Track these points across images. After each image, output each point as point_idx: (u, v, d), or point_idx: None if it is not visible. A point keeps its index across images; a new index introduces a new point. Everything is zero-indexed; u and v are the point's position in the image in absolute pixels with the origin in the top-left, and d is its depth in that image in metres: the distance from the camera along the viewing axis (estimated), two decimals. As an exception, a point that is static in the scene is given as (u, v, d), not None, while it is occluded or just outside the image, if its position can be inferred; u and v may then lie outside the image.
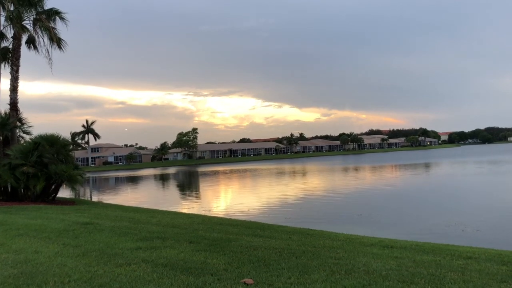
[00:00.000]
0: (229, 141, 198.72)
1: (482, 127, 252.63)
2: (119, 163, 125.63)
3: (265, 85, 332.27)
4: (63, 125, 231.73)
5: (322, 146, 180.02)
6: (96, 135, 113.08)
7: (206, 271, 5.96)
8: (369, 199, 27.27)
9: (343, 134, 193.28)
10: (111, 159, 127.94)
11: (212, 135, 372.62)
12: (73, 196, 29.46)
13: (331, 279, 5.57)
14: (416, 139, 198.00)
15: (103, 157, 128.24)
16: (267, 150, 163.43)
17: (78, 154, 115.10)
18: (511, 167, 51.48)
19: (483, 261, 7.07)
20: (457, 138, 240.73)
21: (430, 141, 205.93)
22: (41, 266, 6.31)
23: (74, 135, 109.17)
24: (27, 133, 23.03)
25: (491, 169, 50.18)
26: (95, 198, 35.61)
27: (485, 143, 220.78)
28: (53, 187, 20.19)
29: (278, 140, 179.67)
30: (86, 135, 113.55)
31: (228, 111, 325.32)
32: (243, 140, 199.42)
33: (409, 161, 77.29)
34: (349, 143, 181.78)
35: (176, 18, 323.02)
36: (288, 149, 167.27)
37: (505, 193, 27.28)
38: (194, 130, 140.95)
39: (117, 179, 69.80)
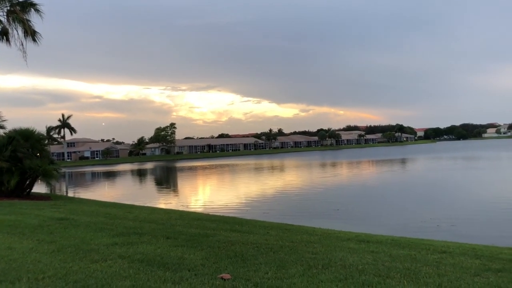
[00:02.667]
0: (207, 136, 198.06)
1: (458, 123, 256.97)
2: (96, 158, 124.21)
3: (244, 81, 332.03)
4: (38, 119, 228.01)
5: (300, 142, 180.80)
6: (72, 130, 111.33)
7: (183, 266, 5.93)
8: (346, 194, 27.52)
9: (321, 130, 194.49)
10: (87, 154, 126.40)
11: (191, 130, 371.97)
12: (48, 192, 29.00)
13: (308, 273, 5.60)
14: (392, 135, 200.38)
15: (79, 152, 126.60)
16: (245, 145, 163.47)
17: (53, 148, 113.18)
18: (484, 162, 52.49)
19: (458, 255, 7.20)
20: (433, 134, 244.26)
21: (407, 137, 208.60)
22: (14, 262, 6.19)
23: (49, 129, 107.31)
24: (1, 127, 22.53)
25: (465, 165, 51.11)
26: (71, 194, 35.15)
27: (460, 139, 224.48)
28: (27, 182, 19.84)
29: (257, 136, 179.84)
30: (62, 130, 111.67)
31: (206, 106, 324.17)
32: (221, 136, 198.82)
33: (385, 156, 78.19)
34: (327, 138, 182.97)
35: (153, 12, 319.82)
36: (267, 144, 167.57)
37: (478, 188, 27.81)
38: (172, 125, 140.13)
39: (93, 174, 68.98)
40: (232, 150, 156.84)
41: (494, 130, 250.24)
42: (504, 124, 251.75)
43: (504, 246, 9.52)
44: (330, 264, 6.15)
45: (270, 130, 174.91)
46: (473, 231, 14.79)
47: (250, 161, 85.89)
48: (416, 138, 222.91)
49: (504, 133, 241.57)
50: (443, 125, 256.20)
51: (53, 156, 64.42)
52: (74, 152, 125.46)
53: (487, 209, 19.35)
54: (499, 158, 59.64)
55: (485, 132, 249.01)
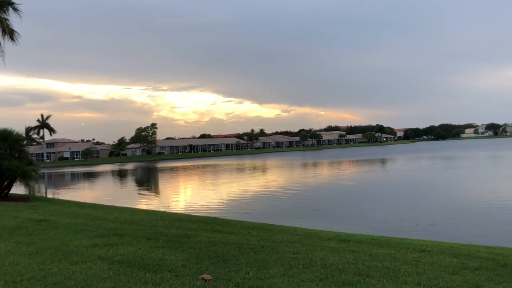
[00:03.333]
0: (189, 136, 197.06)
1: (436, 124, 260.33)
2: (76, 159, 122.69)
3: (226, 81, 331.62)
4: (17, 120, 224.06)
5: (282, 142, 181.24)
6: (51, 130, 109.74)
7: (164, 267, 5.91)
8: (327, 194, 27.68)
9: (303, 130, 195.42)
10: (67, 155, 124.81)
11: (172, 130, 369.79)
12: (27, 193, 28.57)
13: (289, 273, 5.64)
14: (372, 135, 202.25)
15: (58, 152, 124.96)
16: (227, 145, 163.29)
17: (32, 149, 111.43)
18: (462, 162, 53.29)
19: (436, 254, 7.31)
20: (412, 135, 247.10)
21: (386, 137, 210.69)
22: (-9, 265, 6.11)
23: (28, 129, 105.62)
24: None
25: (443, 165, 51.81)
26: (50, 195, 34.65)
27: (439, 140, 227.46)
28: (5, 183, 19.54)
29: (239, 136, 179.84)
30: (41, 130, 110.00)
31: (188, 107, 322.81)
32: (203, 136, 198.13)
33: (366, 156, 78.85)
34: (308, 139, 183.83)
35: (135, 11, 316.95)
36: (249, 144, 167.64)
37: (456, 188, 28.24)
38: (153, 125, 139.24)
39: (73, 175, 68.16)
40: (214, 150, 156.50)
41: (472, 130, 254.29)
42: (482, 125, 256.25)
43: (481, 244, 9.71)
44: (311, 264, 6.20)
45: (252, 131, 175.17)
46: (452, 230, 15.01)
47: (232, 162, 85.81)
48: (395, 138, 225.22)
49: (481, 133, 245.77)
50: (422, 125, 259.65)
51: (32, 156, 63.42)
52: (54, 152, 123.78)
53: (465, 208, 19.65)
54: (476, 158, 60.63)
55: (463, 132, 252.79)
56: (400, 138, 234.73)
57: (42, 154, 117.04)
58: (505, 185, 27.81)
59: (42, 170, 45.44)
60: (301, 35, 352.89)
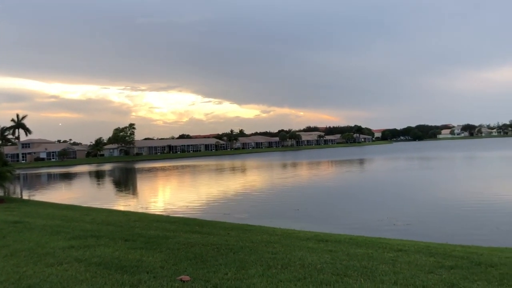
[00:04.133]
0: (168, 137, 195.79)
1: (413, 124, 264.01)
2: (52, 159, 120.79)
3: (205, 81, 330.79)
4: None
5: (261, 143, 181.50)
6: (27, 130, 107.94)
7: (141, 269, 5.87)
8: (306, 195, 27.80)
9: (282, 130, 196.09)
10: (43, 155, 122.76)
11: (150, 131, 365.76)
12: (2, 194, 28.02)
13: (267, 273, 5.65)
14: (351, 136, 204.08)
15: (34, 153, 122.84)
16: (207, 146, 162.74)
17: (7, 150, 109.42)
18: (438, 162, 54.11)
19: (413, 253, 7.41)
20: (390, 135, 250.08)
21: (364, 138, 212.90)
22: (-36, 268, 5.98)
23: (3, 130, 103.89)
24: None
25: (420, 165, 52.53)
26: (26, 196, 34.04)
27: (416, 140, 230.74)
28: (-21, 184, 19.15)
29: (218, 137, 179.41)
30: (17, 130, 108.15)
31: (167, 107, 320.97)
32: (182, 136, 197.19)
33: (344, 157, 79.47)
34: (288, 139, 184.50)
35: (112, 10, 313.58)
36: (228, 145, 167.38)
37: (433, 188, 28.65)
38: (131, 125, 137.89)
39: (49, 176, 67.11)
40: (193, 151, 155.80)
41: (448, 131, 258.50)
42: (458, 125, 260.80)
43: (457, 243, 9.87)
44: (289, 264, 6.22)
45: (232, 131, 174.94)
46: (428, 229, 15.22)
47: (211, 162, 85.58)
48: (373, 139, 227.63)
49: (457, 134, 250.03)
50: (399, 126, 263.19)
51: (7, 157, 62.23)
52: (29, 153, 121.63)
53: (441, 208, 19.95)
54: (452, 159, 61.65)
55: (440, 133, 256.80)
56: (378, 139, 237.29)
57: (17, 154, 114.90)
58: (480, 186, 28.33)
59: (18, 171, 44.63)
60: (281, 36, 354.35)
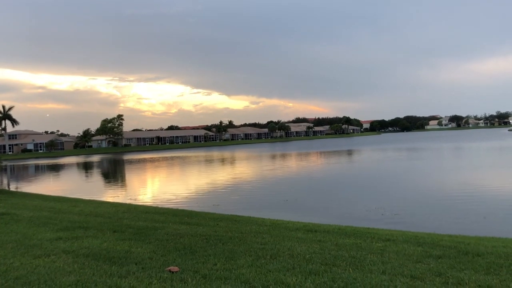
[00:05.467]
0: (156, 128, 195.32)
1: (402, 115, 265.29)
2: (39, 151, 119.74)
3: (194, 72, 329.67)
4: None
5: (250, 134, 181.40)
6: (14, 121, 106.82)
7: (130, 260, 5.84)
8: (295, 185, 27.89)
9: (271, 122, 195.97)
10: (30, 147, 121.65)
11: (139, 122, 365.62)
12: (-13, 186, 27.78)
13: (256, 263, 5.66)
14: (339, 127, 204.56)
15: (21, 144, 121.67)
16: (196, 137, 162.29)
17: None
18: (425, 153, 54.51)
19: (401, 243, 7.46)
20: (378, 126, 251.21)
21: (353, 129, 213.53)
22: (-51, 260, 5.91)
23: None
24: None
25: (407, 156, 52.90)
26: (13, 187, 33.77)
27: (404, 131, 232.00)
28: (-36, 176, 18.92)
29: (207, 128, 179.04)
30: (3, 121, 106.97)
31: (155, 98, 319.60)
32: (171, 128, 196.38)
33: (332, 148, 79.77)
34: (277, 130, 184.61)
35: (101, 1, 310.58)
36: (217, 136, 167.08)
37: (420, 178, 28.88)
38: (120, 116, 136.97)
39: (37, 167, 66.57)
40: (182, 142, 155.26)
41: (436, 122, 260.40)
42: (445, 117, 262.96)
43: (444, 233, 9.96)
44: (278, 254, 6.23)
45: (221, 122, 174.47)
46: (416, 219, 15.36)
47: (200, 153, 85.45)
48: (362, 130, 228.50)
49: (445, 125, 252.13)
50: (388, 117, 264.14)
51: (-7, 149, 61.61)
52: (16, 144, 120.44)
53: (429, 198, 20.13)
54: (440, 149, 62.15)
55: (428, 124, 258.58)
56: (366, 130, 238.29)
57: (4, 146, 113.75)
58: (467, 176, 28.62)
59: (4, 162, 44.23)
60: (270, 27, 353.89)
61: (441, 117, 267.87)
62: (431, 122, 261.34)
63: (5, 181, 41.55)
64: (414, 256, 6.33)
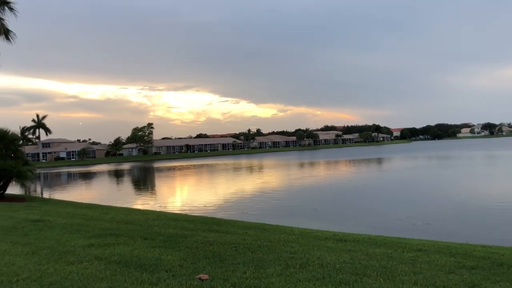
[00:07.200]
0: (185, 136, 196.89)
1: (433, 123, 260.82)
2: (72, 159, 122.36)
3: (222, 81, 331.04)
4: (12, 120, 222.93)
5: (278, 142, 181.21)
6: (47, 130, 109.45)
7: (160, 267, 5.90)
8: (324, 194, 27.70)
9: (299, 130, 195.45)
10: (63, 155, 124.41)
11: (168, 130, 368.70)
12: (23, 193, 28.47)
13: (286, 272, 5.63)
14: (369, 135, 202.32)
15: (54, 152, 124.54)
16: (224, 145, 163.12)
17: (28, 149, 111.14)
18: (458, 161, 53.42)
19: (433, 253, 7.31)
20: (409, 134, 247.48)
21: (383, 137, 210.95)
22: (-13, 265, 6.08)
23: (24, 130, 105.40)
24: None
25: (439, 164, 51.93)
26: (46, 195, 34.55)
27: (435, 139, 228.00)
28: (1, 183, 19.47)
29: (235, 136, 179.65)
30: (37, 130, 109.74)
31: (184, 106, 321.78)
32: (200, 136, 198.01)
33: (362, 156, 78.96)
34: (305, 138, 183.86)
35: (130, 11, 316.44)
36: (245, 144, 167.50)
37: (453, 187, 28.30)
38: (150, 125, 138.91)
39: (69, 175, 67.99)
40: (210, 150, 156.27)
41: (468, 130, 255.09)
42: (478, 124, 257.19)
43: (477, 243, 9.72)
44: (307, 263, 6.19)
45: (249, 130, 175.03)
46: (448, 229, 15.04)
47: (228, 161, 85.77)
48: (392, 138, 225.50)
49: (478, 133, 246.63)
50: (418, 125, 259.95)
51: (27, 157, 63.16)
52: (50, 152, 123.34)
53: (462, 207, 19.70)
54: (472, 158, 60.79)
55: (460, 132, 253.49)
56: (396, 138, 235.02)
57: (38, 154, 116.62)
58: (501, 184, 27.90)
59: (38, 170, 45.27)
60: (298, 34, 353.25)
61: (473, 125, 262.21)
62: (463, 130, 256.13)
63: (38, 189, 42.55)
64: (446, 267, 6.20)
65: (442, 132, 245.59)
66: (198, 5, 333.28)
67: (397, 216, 17.71)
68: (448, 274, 5.72)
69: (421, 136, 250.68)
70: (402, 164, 55.79)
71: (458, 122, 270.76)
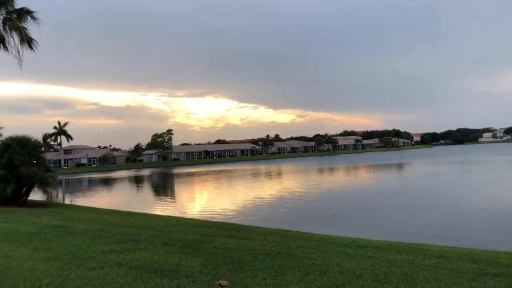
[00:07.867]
0: (204, 142, 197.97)
1: (454, 128, 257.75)
2: (93, 165, 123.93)
3: (240, 87, 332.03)
4: (34, 127, 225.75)
5: (297, 147, 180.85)
6: (68, 137, 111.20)
7: (180, 273, 5.91)
8: (344, 200, 27.52)
9: (318, 135, 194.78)
10: (84, 161, 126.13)
11: (187, 136, 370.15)
12: (45, 199, 28.88)
13: (306, 279, 5.60)
14: (389, 140, 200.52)
15: (76, 159, 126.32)
16: (242, 151, 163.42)
17: (50, 156, 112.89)
18: (480, 167, 52.58)
19: (455, 260, 7.20)
20: (429, 139, 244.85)
21: (403, 142, 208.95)
22: (11, 270, 6.17)
23: (46, 136, 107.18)
24: (-2, 134, 22.51)
25: (461, 169, 51.19)
26: (67, 201, 35.00)
27: (456, 144, 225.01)
28: (24, 189, 19.77)
29: (254, 141, 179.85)
30: (59, 137, 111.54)
31: (203, 112, 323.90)
32: (218, 141, 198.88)
33: (382, 161, 78.25)
34: (324, 144, 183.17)
35: (148, 18, 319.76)
36: (264, 150, 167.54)
37: (475, 193, 27.86)
38: (169, 131, 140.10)
39: (90, 181, 68.80)
40: (229, 156, 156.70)
41: (490, 134, 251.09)
42: (500, 129, 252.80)
43: (501, 250, 9.53)
44: (327, 270, 6.15)
45: (267, 136, 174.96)
46: (470, 235, 14.80)
47: (247, 167, 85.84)
48: (412, 143, 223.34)
49: (500, 138, 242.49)
50: (439, 130, 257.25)
51: (49, 163, 64.04)
52: (71, 159, 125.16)
53: (484, 213, 19.37)
54: (494, 162, 59.78)
55: (481, 136, 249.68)
56: (417, 143, 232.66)
57: (59, 160, 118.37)
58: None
59: (60, 177, 45.96)
60: (316, 39, 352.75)
61: (495, 129, 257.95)
62: (485, 135, 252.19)
63: (60, 195, 43.13)
64: (469, 274, 6.09)
65: (463, 136, 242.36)
66: (217, 11, 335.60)
67: (418, 222, 17.50)
68: (471, 282, 5.62)
69: (442, 141, 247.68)
70: (423, 169, 55.13)
71: (480, 127, 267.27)
